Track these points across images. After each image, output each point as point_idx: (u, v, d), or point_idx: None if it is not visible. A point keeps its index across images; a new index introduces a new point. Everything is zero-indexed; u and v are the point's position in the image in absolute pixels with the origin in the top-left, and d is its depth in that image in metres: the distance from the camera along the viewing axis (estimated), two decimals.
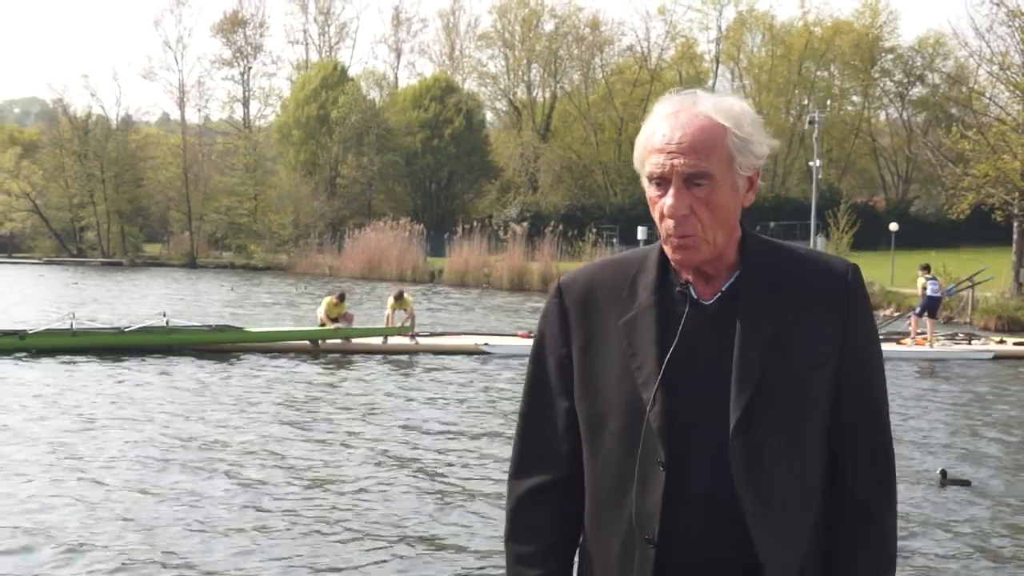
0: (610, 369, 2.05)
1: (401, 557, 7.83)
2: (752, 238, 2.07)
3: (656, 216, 2.01)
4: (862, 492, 2.03)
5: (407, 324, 20.84)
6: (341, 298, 21.07)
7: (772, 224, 51.85)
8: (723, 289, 2.03)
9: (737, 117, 1.99)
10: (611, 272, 2.14)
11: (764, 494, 1.95)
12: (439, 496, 9.59)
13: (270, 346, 20.11)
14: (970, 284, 28.71)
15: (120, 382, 16.24)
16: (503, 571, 2.24)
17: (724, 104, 2.00)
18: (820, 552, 2.02)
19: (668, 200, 1.96)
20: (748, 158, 1.99)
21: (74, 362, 18.11)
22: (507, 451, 11.16)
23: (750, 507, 1.94)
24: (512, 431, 10.03)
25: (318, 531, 8.43)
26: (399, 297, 21.23)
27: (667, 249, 2.03)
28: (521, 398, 2.22)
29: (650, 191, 2.01)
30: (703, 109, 1.98)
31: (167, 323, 20.10)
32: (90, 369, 17.54)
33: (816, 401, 1.99)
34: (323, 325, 20.74)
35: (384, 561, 7.72)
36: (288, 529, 8.45)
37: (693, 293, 2.03)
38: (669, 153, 1.96)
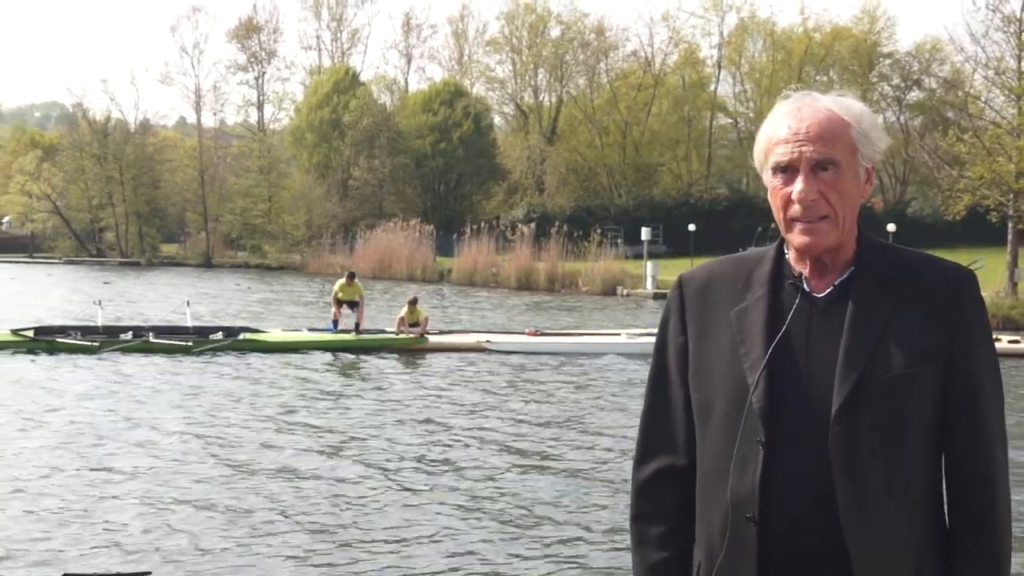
0: (721, 356, 2.09)
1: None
2: (867, 238, 2.11)
3: (779, 204, 2.05)
4: (967, 492, 2.03)
5: (420, 336, 20.87)
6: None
7: (773, 225, 51.42)
8: (836, 283, 2.06)
9: (857, 112, 2.06)
10: (729, 266, 2.19)
11: (859, 483, 1.95)
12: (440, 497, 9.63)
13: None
14: None
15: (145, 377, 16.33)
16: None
17: (843, 101, 2.07)
18: (935, 548, 2.02)
19: (797, 186, 2.01)
20: (869, 150, 2.05)
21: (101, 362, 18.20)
22: (506, 446, 11.22)
23: (843, 495, 1.94)
24: (508, 424, 10.09)
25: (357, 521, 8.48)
26: (413, 303, 21.31)
27: (792, 237, 2.06)
28: (646, 385, 2.27)
29: (774, 181, 2.06)
30: (825, 104, 2.05)
31: (188, 316, 20.12)
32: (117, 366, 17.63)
33: (919, 397, 1.99)
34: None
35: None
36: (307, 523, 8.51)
37: (806, 286, 2.07)
38: (797, 142, 2.01)
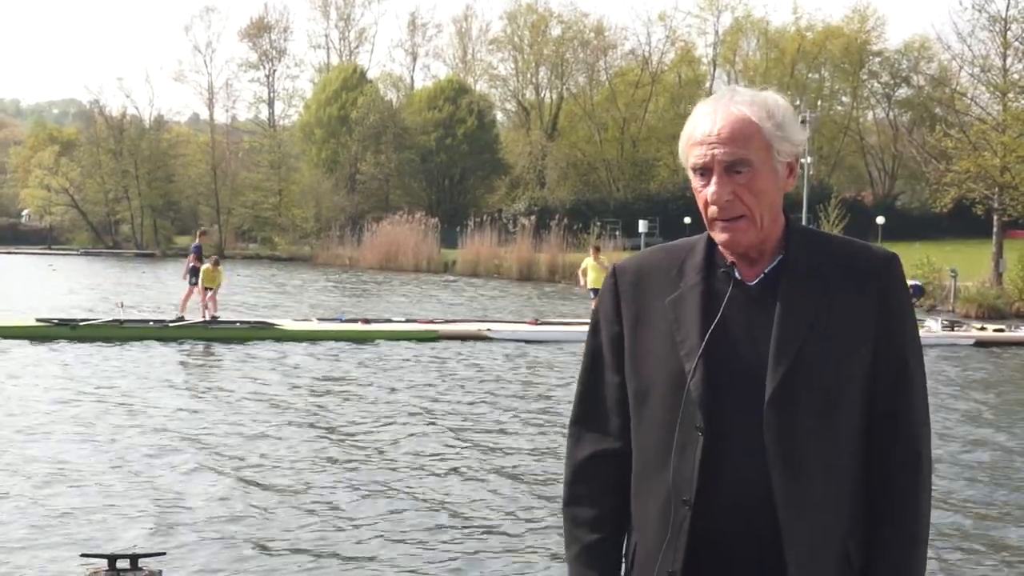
0: (657, 343, 2.06)
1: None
2: (795, 226, 2.08)
3: (701, 204, 2.03)
4: (892, 468, 2.01)
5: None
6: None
7: None
8: (765, 271, 2.03)
9: (771, 108, 2.02)
10: (662, 256, 2.16)
11: (794, 468, 1.92)
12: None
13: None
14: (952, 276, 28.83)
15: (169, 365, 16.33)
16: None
17: (759, 97, 2.03)
18: (860, 526, 2.01)
19: (711, 188, 1.99)
20: (785, 145, 2.01)
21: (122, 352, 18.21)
22: (507, 437, 11.22)
23: (779, 479, 1.92)
24: (503, 410, 9.98)
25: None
26: (598, 250, 22.62)
27: (714, 234, 2.03)
28: (579, 372, 2.24)
29: (695, 182, 2.03)
30: (739, 103, 2.02)
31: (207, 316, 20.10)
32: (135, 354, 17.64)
33: (852, 379, 1.98)
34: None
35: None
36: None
37: (737, 274, 2.04)
38: (709, 144, 1.99)
